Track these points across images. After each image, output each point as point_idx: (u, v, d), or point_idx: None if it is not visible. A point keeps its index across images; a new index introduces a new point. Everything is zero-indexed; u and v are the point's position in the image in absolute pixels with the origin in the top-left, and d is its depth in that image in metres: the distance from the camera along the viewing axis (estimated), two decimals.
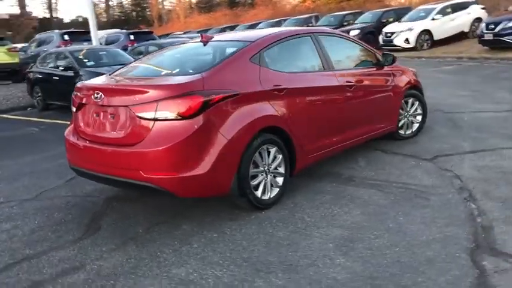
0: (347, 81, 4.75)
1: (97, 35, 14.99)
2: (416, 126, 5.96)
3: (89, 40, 15.84)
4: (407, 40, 18.21)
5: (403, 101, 5.72)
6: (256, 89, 3.85)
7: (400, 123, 5.79)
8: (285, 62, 4.35)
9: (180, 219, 3.88)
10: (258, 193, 3.88)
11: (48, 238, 3.70)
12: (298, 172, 4.32)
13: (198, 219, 3.84)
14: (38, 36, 17.72)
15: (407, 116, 5.84)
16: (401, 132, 5.83)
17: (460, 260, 2.93)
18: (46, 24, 48.83)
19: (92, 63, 10.30)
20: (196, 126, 3.42)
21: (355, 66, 5.16)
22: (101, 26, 47.74)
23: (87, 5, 15.59)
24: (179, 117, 3.41)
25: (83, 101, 3.97)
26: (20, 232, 3.87)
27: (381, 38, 19.36)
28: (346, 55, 5.13)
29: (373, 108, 5.15)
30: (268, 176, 3.96)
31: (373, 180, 4.50)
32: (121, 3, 61.21)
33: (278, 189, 4.05)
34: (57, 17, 61.98)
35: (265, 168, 3.92)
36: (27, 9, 54.70)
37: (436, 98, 8.40)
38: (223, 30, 28.62)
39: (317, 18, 24.40)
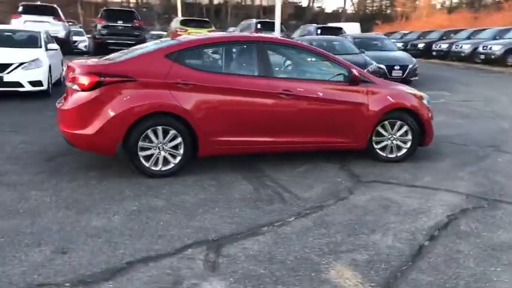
0: (285, 90, 5.12)
1: (279, 26, 16.66)
2: (404, 151, 5.72)
3: (281, 31, 17.67)
4: None
5: (387, 123, 5.60)
6: (160, 80, 4.75)
7: (382, 145, 5.68)
8: (207, 62, 5.09)
9: (117, 173, 4.94)
10: (148, 163, 4.81)
11: (25, 160, 5.39)
12: (203, 156, 5.05)
13: (125, 176, 4.87)
14: (242, 22, 20.49)
15: (392, 138, 5.66)
16: (383, 154, 5.71)
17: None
18: (300, 11, 53.60)
19: None
20: (90, 98, 4.61)
21: (312, 79, 5.38)
22: (348, 19, 49.88)
23: None
24: (81, 90, 4.65)
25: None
26: (26, 154, 5.65)
27: None
28: (301, 67, 5.42)
29: (325, 121, 5.33)
30: (162, 152, 4.84)
31: (268, 181, 4.88)
32: None
33: (173, 165, 4.89)
34: (320, 7, 66.78)
35: (159, 145, 4.81)
36: None
37: None
38: (445, 34, 27.08)
39: None
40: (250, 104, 5.06)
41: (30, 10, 16.75)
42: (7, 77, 9.08)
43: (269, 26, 18.02)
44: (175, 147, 4.88)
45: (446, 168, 5.55)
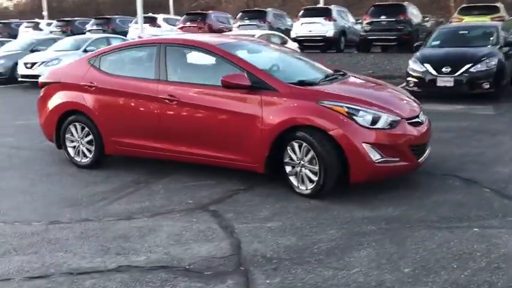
0: (169, 95, 4.81)
1: None
2: (313, 185, 4.30)
3: None
4: None
5: (295, 144, 4.39)
6: (76, 82, 5.42)
7: (294, 171, 4.45)
8: (115, 66, 5.38)
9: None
10: (73, 154, 5.59)
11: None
12: (111, 155, 5.48)
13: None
14: None
15: (300, 165, 4.33)
16: (295, 183, 4.49)
17: None
18: None
19: None
20: (40, 95, 5.79)
21: (202, 83, 4.84)
22: None
23: None
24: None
25: None
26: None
27: None
28: (196, 70, 4.86)
29: (208, 132, 4.78)
30: (81, 146, 5.50)
31: (145, 189, 4.91)
32: None
33: (88, 158, 5.51)
34: None
35: (78, 139, 5.49)
36: None
37: None
38: None
39: None
40: (140, 107, 5.11)
41: (307, 13, 18.33)
42: None
43: None
44: (90, 142, 5.43)
45: (355, 218, 4.00)
